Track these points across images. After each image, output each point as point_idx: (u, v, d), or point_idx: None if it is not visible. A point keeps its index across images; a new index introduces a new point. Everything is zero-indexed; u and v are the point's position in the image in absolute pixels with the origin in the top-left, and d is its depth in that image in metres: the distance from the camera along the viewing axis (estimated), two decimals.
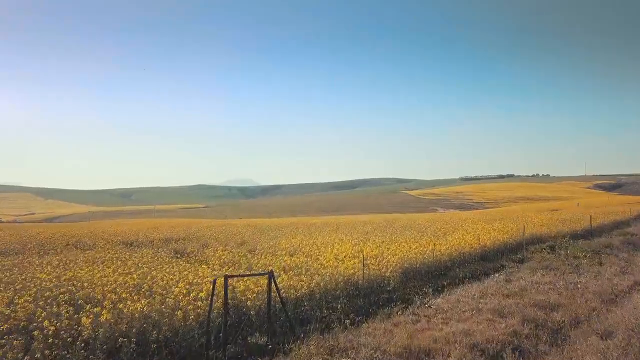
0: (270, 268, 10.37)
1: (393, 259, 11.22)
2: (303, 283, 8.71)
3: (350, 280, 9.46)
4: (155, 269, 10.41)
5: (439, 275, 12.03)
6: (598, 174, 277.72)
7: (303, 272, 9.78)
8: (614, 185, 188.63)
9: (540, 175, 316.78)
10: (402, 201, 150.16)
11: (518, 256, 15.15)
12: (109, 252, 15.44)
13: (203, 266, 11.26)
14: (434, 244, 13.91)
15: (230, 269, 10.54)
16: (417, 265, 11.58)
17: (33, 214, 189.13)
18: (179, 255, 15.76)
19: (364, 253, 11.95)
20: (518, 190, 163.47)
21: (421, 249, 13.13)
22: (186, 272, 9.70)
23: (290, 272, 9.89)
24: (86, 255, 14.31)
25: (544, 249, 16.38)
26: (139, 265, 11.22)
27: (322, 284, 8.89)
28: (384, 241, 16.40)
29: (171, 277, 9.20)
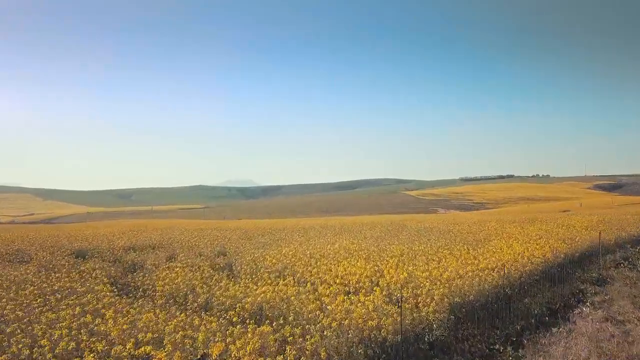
0: (235, 307, 6.16)
1: (437, 290, 6.99)
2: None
3: (373, 337, 5.28)
4: (46, 310, 6.26)
5: (500, 311, 7.89)
6: (598, 174, 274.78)
7: (290, 322, 5.57)
8: (614, 185, 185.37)
9: (540, 175, 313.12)
10: (402, 202, 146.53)
11: (593, 275, 10.97)
12: (26, 271, 11.29)
13: (133, 303, 7.04)
14: (499, 260, 9.46)
15: (173, 308, 6.32)
16: (471, 297, 7.40)
17: (32, 214, 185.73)
18: (126, 273, 11.67)
19: (387, 278, 7.79)
20: (518, 191, 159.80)
21: (467, 268, 8.91)
22: (85, 318, 5.56)
23: (266, 325, 5.58)
24: None
25: (620, 262, 12.23)
26: (36, 299, 7.09)
27: (323, 353, 4.71)
28: (403, 252, 12.23)
29: (51, 332, 5.08)
